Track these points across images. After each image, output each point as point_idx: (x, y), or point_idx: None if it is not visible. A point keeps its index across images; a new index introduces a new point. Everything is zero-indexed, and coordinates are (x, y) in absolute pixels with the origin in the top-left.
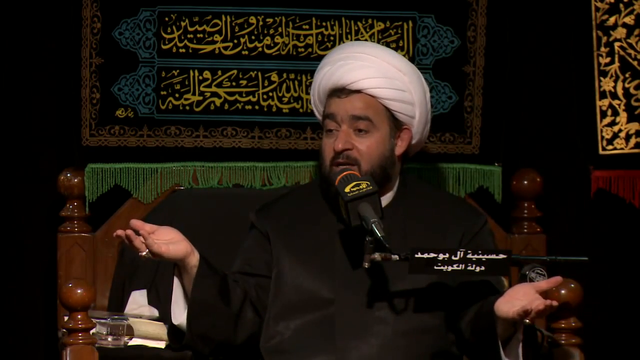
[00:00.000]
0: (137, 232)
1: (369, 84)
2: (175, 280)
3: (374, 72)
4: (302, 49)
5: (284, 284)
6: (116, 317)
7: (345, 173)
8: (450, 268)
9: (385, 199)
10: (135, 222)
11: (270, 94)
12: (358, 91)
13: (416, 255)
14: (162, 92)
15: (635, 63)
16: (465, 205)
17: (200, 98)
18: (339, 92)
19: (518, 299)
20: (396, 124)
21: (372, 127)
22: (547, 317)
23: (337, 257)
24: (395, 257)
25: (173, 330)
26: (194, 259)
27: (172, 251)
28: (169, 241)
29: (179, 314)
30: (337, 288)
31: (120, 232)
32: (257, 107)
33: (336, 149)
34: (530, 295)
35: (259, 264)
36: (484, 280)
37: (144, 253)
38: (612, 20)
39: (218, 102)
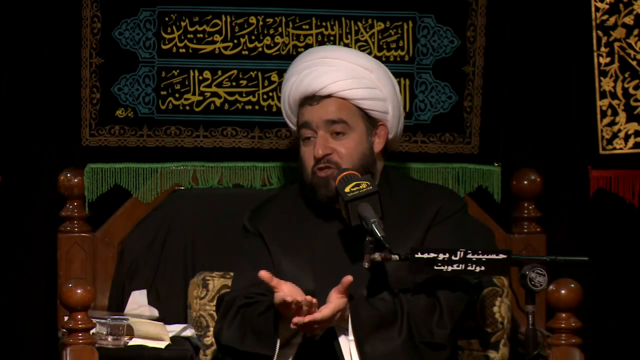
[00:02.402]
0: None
1: (338, 87)
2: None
3: (341, 74)
4: (302, 49)
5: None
6: (116, 317)
7: (345, 173)
8: (450, 268)
9: None
10: (264, 275)
11: (270, 94)
12: (328, 96)
13: (416, 255)
14: (162, 92)
15: (634, 63)
16: (445, 190)
17: (200, 98)
18: (310, 99)
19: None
20: (371, 122)
21: (348, 128)
22: (547, 317)
23: (319, 256)
24: (395, 257)
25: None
26: None
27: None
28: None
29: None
30: (321, 285)
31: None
32: (257, 107)
33: (316, 155)
34: (330, 299)
35: (268, 268)
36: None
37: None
38: (612, 20)
39: (218, 102)
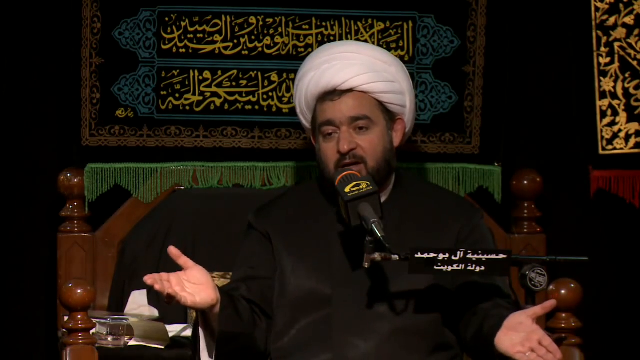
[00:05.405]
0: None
1: (359, 81)
2: (201, 332)
3: (361, 68)
4: (302, 49)
5: (287, 283)
6: (116, 317)
7: (345, 173)
8: (450, 268)
9: (382, 196)
10: (173, 251)
11: (270, 94)
12: (350, 90)
13: (416, 255)
14: (162, 92)
15: (635, 63)
16: (461, 201)
17: (200, 98)
18: (330, 94)
19: (516, 333)
20: (390, 116)
21: (371, 123)
22: (547, 317)
23: (335, 255)
24: (395, 257)
25: None
26: (217, 303)
27: (198, 302)
28: (198, 288)
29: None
30: (335, 286)
31: (150, 280)
32: (257, 107)
33: (342, 150)
34: (527, 327)
35: (262, 266)
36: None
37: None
38: (612, 20)
39: (218, 102)
